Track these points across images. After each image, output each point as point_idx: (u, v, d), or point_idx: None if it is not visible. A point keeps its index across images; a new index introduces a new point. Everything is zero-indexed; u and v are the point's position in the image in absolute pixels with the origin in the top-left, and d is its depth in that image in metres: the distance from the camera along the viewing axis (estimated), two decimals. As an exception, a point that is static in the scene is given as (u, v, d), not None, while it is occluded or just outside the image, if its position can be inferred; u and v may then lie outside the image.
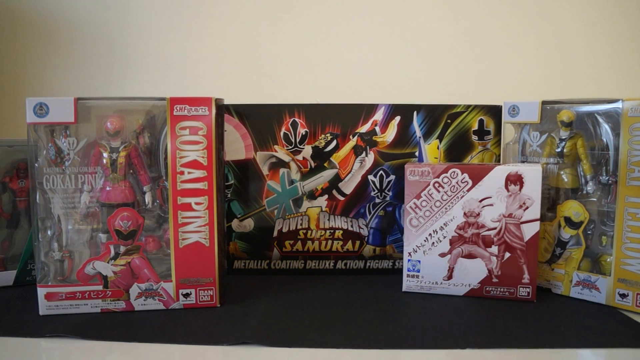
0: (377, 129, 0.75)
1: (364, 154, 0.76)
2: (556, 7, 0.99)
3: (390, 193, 0.76)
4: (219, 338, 0.54)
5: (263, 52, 1.01)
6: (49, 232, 0.62)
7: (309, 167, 0.76)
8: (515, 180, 0.64)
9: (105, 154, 0.62)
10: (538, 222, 0.65)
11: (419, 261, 0.68)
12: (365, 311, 0.62)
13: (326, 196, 0.76)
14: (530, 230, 0.65)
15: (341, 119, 0.75)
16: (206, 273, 0.63)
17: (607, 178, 0.65)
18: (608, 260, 0.65)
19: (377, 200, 0.77)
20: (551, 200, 0.70)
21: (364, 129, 0.75)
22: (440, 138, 0.76)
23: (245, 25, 1.01)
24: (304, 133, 0.75)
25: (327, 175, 0.76)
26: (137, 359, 0.51)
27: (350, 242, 0.77)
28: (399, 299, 0.67)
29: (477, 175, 0.66)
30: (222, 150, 0.65)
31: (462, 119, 0.76)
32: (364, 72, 1.00)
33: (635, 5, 0.97)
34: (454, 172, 0.66)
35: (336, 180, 0.76)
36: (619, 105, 0.63)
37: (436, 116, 0.75)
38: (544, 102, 0.70)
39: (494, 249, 0.66)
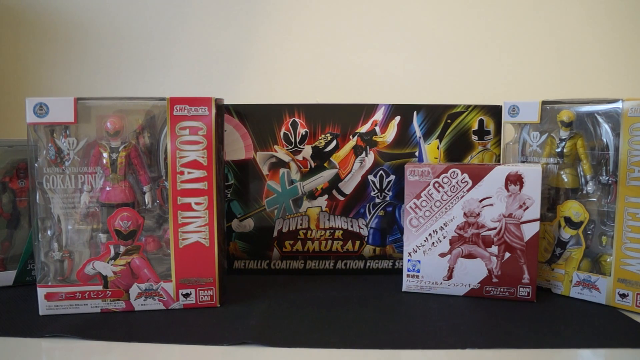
0: (377, 129, 0.75)
1: (364, 154, 0.76)
2: (556, 7, 0.99)
3: (390, 193, 0.76)
4: (219, 338, 0.54)
5: (263, 52, 1.01)
6: (49, 232, 0.62)
7: (309, 167, 0.76)
8: (515, 180, 0.64)
9: (105, 154, 0.62)
10: (538, 222, 0.65)
11: (419, 261, 0.68)
12: (365, 311, 0.62)
13: (326, 196, 0.76)
14: (530, 230, 0.65)
15: (341, 119, 0.75)
16: (206, 273, 0.63)
17: (607, 178, 0.65)
18: (608, 260, 0.65)
19: (377, 200, 0.77)
20: (551, 200, 0.70)
21: (364, 129, 0.75)
22: (440, 138, 0.76)
23: (245, 25, 1.01)
24: (304, 133, 0.75)
25: (327, 175, 0.76)
26: (137, 359, 0.51)
27: (350, 242, 0.77)
28: (399, 299, 0.67)
29: (477, 175, 0.66)
30: (222, 150, 0.65)
31: (462, 119, 0.76)
32: (364, 72, 1.00)
33: (635, 5, 0.97)
34: (454, 172, 0.66)
35: (336, 180, 0.76)
36: (619, 105, 0.63)
37: (436, 116, 0.75)
38: (544, 102, 0.70)
39: (494, 249, 0.66)
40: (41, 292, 0.60)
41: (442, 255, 0.67)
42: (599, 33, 0.98)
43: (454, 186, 0.66)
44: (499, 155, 0.76)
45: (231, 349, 0.53)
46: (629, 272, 0.63)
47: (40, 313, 0.60)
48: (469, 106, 0.75)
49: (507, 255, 0.66)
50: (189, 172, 0.61)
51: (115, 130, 0.61)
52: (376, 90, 0.99)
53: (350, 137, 0.76)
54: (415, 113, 0.75)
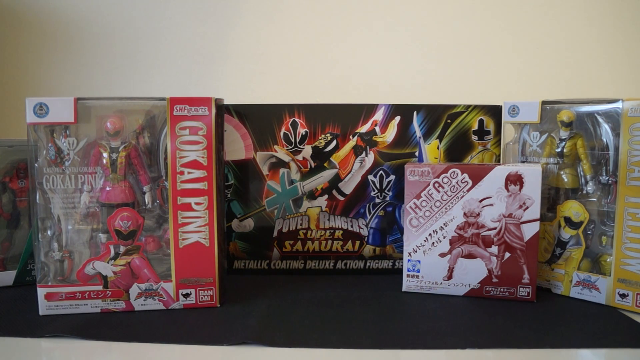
0: (377, 129, 0.75)
1: (364, 154, 0.76)
2: (556, 7, 0.99)
3: (390, 193, 0.76)
4: (219, 338, 0.54)
5: (263, 52, 1.01)
6: (49, 232, 0.62)
7: (309, 167, 0.76)
8: (515, 180, 0.64)
9: (105, 154, 0.62)
10: (538, 222, 0.65)
11: (419, 261, 0.68)
12: (365, 311, 0.62)
13: (326, 196, 0.76)
14: (530, 230, 0.65)
15: (341, 119, 0.75)
16: (206, 273, 0.63)
17: (607, 178, 0.65)
18: (608, 260, 0.65)
19: (377, 200, 0.77)
20: (551, 200, 0.70)
21: (364, 129, 0.75)
22: (440, 138, 0.76)
23: (245, 25, 1.01)
24: (304, 133, 0.75)
25: (327, 175, 0.76)
26: (137, 359, 0.51)
27: (350, 242, 0.77)
28: (399, 299, 0.67)
29: (477, 175, 0.66)
30: (222, 150, 0.65)
31: (462, 119, 0.76)
32: (364, 72, 1.00)
33: (635, 5, 0.97)
34: (454, 172, 0.66)
35: (336, 180, 0.76)
36: (619, 105, 0.63)
37: (436, 116, 0.75)
38: (544, 102, 0.70)
39: (494, 249, 0.66)
40: (41, 292, 0.60)
41: (442, 255, 0.67)
42: (599, 33, 0.98)
43: (454, 186, 0.66)
44: (499, 155, 0.76)
45: (231, 349, 0.53)
46: (629, 272, 0.63)
47: (40, 313, 0.60)
48: (469, 106, 0.75)
49: (507, 255, 0.66)
50: (189, 172, 0.61)
51: (115, 130, 0.61)
52: (376, 90, 0.99)
53: (350, 137, 0.76)
54: (415, 113, 0.75)
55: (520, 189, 0.64)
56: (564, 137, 0.68)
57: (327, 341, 0.54)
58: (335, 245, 0.77)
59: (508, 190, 0.65)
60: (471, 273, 0.67)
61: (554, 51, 0.99)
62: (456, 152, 0.76)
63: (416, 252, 0.68)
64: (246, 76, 1.01)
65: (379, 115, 0.75)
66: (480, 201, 0.66)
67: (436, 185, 0.67)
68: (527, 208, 0.64)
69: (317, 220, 0.77)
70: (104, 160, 0.62)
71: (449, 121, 0.75)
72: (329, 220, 0.77)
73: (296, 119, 0.75)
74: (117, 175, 0.62)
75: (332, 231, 0.77)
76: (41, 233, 0.62)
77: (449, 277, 0.68)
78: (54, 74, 1.02)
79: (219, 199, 0.63)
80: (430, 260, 0.68)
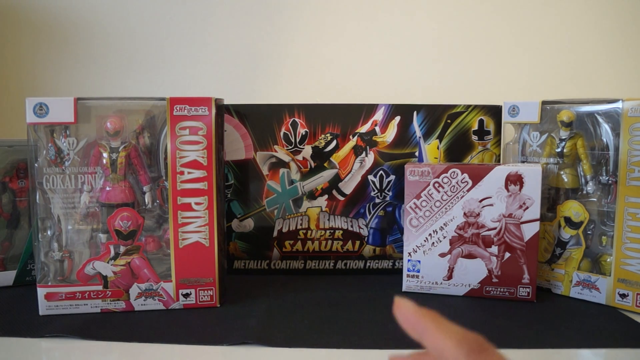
0: (377, 129, 0.75)
1: (363, 154, 0.76)
2: (556, 7, 0.99)
3: (390, 193, 0.76)
4: (219, 338, 0.54)
5: (263, 52, 1.01)
6: (49, 232, 0.62)
7: (308, 167, 0.76)
8: (515, 180, 0.64)
9: (105, 154, 0.62)
10: (538, 222, 0.65)
11: (419, 261, 0.68)
12: (365, 311, 0.62)
13: (326, 196, 0.76)
14: (530, 230, 0.65)
15: (341, 119, 0.75)
16: (206, 273, 0.63)
17: (607, 178, 0.65)
18: (608, 260, 0.65)
19: (377, 200, 0.77)
20: (551, 200, 0.70)
21: (364, 129, 0.75)
22: (440, 138, 0.76)
23: (245, 25, 1.01)
24: (303, 133, 0.75)
25: (327, 175, 0.76)
26: (137, 359, 0.51)
27: (350, 242, 0.77)
28: (399, 299, 0.67)
29: (477, 175, 0.66)
30: (222, 150, 0.65)
31: (462, 119, 0.76)
32: (364, 72, 1.00)
33: (635, 5, 0.97)
34: (454, 172, 0.66)
35: (336, 180, 0.76)
36: (619, 105, 0.63)
37: (436, 116, 0.75)
38: (544, 102, 0.70)
39: (494, 249, 0.66)
40: (41, 292, 0.60)
41: (442, 255, 0.67)
42: (599, 33, 0.98)
43: (454, 186, 0.66)
44: (499, 155, 0.76)
45: (231, 349, 0.53)
46: (629, 272, 0.63)
47: (40, 313, 0.60)
48: (469, 106, 0.75)
49: (507, 255, 0.66)
50: (189, 172, 0.61)
51: (115, 130, 0.61)
52: (376, 90, 0.99)
53: (350, 137, 0.76)
54: (415, 113, 0.75)
55: (520, 189, 0.64)
56: (564, 137, 0.68)
57: (327, 341, 0.54)
58: (335, 245, 0.77)
59: (508, 190, 0.65)
60: (471, 273, 0.67)
61: (554, 51, 0.99)
62: (456, 152, 0.76)
63: (416, 252, 0.68)
64: (246, 76, 1.01)
65: (379, 115, 0.75)
66: (480, 201, 0.66)
67: (436, 185, 0.67)
68: (527, 208, 0.64)
69: (317, 220, 0.77)
70: (104, 160, 0.62)
71: (449, 121, 0.75)
72: (329, 220, 0.77)
73: (296, 119, 0.75)
74: (117, 175, 0.62)
75: (332, 231, 0.77)
76: (41, 233, 0.62)
77: (449, 277, 0.68)
78: (54, 74, 1.02)
79: (219, 199, 0.63)
80: (430, 260, 0.68)
